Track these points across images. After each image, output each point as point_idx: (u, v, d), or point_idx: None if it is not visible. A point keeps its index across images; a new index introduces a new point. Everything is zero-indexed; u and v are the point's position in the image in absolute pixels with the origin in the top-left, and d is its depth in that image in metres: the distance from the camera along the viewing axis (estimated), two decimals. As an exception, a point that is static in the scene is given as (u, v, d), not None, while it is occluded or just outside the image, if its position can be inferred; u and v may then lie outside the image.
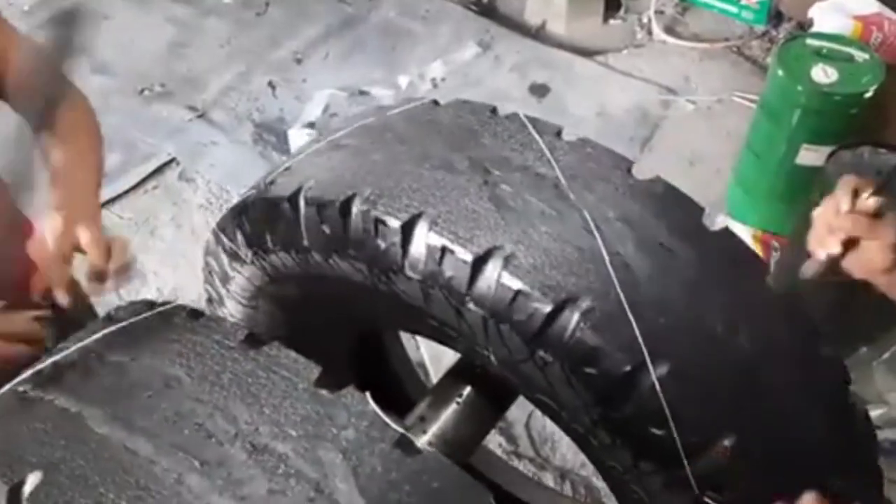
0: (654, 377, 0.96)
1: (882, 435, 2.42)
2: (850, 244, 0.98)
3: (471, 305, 1.00)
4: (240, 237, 1.26)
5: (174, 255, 2.83)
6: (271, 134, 3.23)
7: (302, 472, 0.75)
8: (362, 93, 3.39)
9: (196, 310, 0.97)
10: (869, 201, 0.96)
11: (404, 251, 1.02)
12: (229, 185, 3.04)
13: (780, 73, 2.55)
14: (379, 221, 1.03)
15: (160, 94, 3.43)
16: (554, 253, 1.00)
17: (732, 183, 2.92)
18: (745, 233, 2.85)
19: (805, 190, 2.41)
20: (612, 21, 3.79)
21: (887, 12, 2.85)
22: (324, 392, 0.83)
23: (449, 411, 1.19)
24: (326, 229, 1.07)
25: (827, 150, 2.35)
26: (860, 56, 2.54)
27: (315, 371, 0.86)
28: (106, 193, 2.97)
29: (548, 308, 0.97)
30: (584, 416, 1.03)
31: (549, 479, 2.27)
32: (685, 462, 0.97)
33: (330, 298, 1.21)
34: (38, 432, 0.80)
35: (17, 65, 1.15)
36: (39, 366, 0.87)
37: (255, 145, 3.20)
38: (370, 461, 0.76)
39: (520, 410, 2.40)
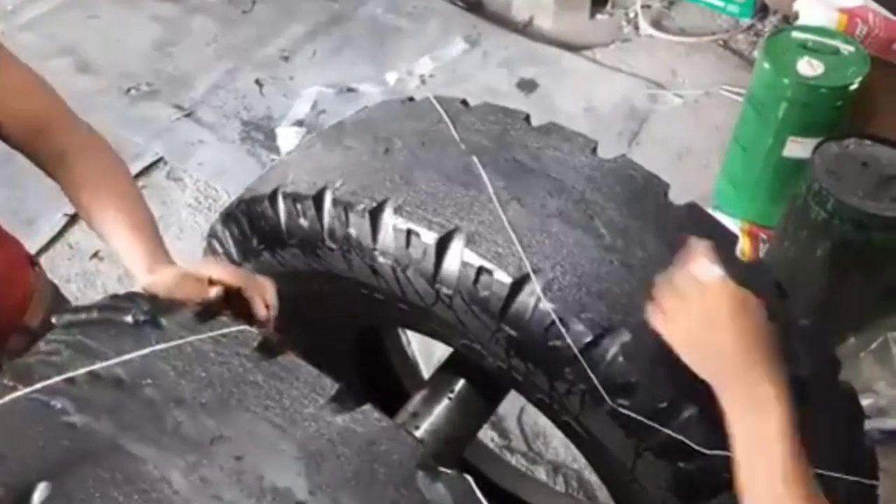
0: (538, 290, 0.97)
1: (870, 425, 2.45)
2: None
3: (439, 286, 1.02)
4: (230, 241, 1.26)
5: (163, 255, 2.82)
6: (259, 132, 3.22)
7: None
8: (350, 90, 3.38)
9: (266, 341, 0.87)
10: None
11: (374, 237, 1.04)
12: (217, 184, 3.03)
13: (767, 66, 2.56)
14: (349, 209, 1.04)
15: (147, 94, 3.40)
16: (519, 231, 1.01)
17: (720, 176, 2.93)
18: (733, 226, 2.86)
19: (792, 182, 2.42)
20: (598, 16, 3.79)
21: (872, 4, 2.86)
22: (423, 475, 0.76)
23: (441, 406, 1.19)
24: (304, 223, 1.08)
25: (813, 142, 2.36)
26: (845, 48, 2.56)
27: (419, 449, 0.79)
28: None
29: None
30: (496, 347, 1.05)
31: (541, 473, 2.28)
32: (587, 368, 0.97)
33: (318, 295, 1.21)
34: (107, 484, 0.74)
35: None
36: (72, 373, 0.82)
37: (242, 143, 3.18)
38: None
39: (512, 405, 2.40)
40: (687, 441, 0.97)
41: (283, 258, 1.18)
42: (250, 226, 1.18)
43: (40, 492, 0.74)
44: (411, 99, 1.27)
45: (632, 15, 3.74)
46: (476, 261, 1.01)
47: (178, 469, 0.74)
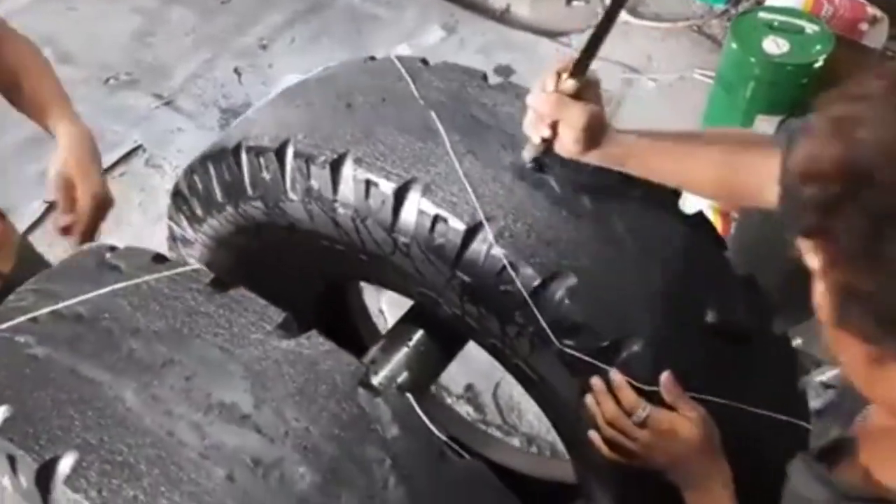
0: (490, 237, 1.03)
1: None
2: (555, 128, 1.00)
3: (397, 234, 1.06)
4: (193, 197, 1.29)
5: (141, 240, 2.82)
6: (237, 119, 3.25)
7: (353, 477, 0.75)
8: (328, 77, 3.41)
9: (218, 279, 0.92)
10: (567, 83, 0.98)
11: (335, 188, 1.08)
12: (197, 170, 3.06)
13: (734, 45, 2.62)
14: (310, 161, 1.08)
15: (126, 83, 3.43)
16: (473, 181, 1.06)
17: (692, 156, 2.98)
18: (705, 204, 2.91)
19: (760, 159, 2.48)
20: (574, 3, 3.84)
21: (837, -14, 2.92)
22: (364, 391, 0.81)
23: (399, 355, 1.23)
24: (266, 176, 1.12)
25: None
26: (810, 28, 2.62)
27: (359, 368, 0.83)
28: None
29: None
30: (451, 293, 1.11)
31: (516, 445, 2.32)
32: (535, 311, 1.02)
33: (280, 248, 1.25)
34: (65, 405, 0.78)
35: None
36: (35, 313, 0.87)
37: (221, 130, 3.21)
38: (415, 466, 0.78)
39: (487, 382, 2.45)
40: (628, 378, 1.02)
41: (246, 211, 1.21)
42: (215, 180, 1.22)
43: (2, 413, 0.78)
44: (372, 58, 1.31)
45: (607, 2, 3.78)
46: (432, 209, 1.05)
47: (130, 389, 0.78)
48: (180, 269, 0.90)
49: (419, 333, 1.25)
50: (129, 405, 0.76)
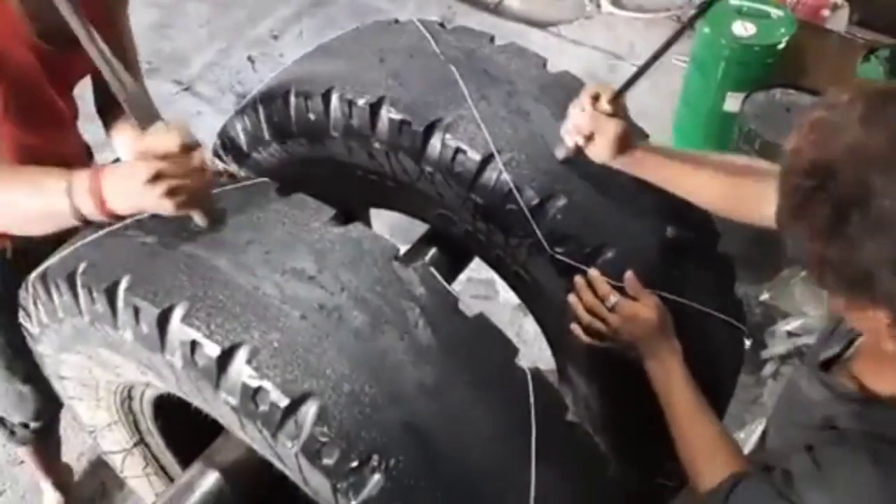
0: (500, 165, 1.28)
1: (801, 341, 2.78)
2: (589, 138, 1.25)
3: (424, 164, 1.33)
4: (241, 135, 1.55)
5: (168, 212, 3.11)
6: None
7: (393, 320, 1.00)
8: (335, 65, 3.68)
9: (281, 187, 1.16)
10: (604, 105, 1.23)
11: (373, 127, 1.34)
12: (216, 150, 3.32)
13: (706, 29, 2.89)
14: (352, 104, 1.34)
15: (148, 71, 3.64)
16: (487, 121, 1.32)
17: (673, 134, 3.25)
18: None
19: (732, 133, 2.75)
20: (563, -5, 4.12)
21: (801, -24, 3.19)
22: (399, 263, 1.06)
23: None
24: (312, 116, 1.38)
25: (749, 96, 2.68)
26: (775, 13, 2.88)
27: (394, 247, 1.08)
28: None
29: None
30: (465, 213, 1.36)
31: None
32: (534, 225, 1.28)
33: (319, 179, 1.50)
34: (174, 270, 1.01)
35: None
36: (138, 217, 1.09)
37: (238, 114, 3.47)
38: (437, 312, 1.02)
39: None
40: (605, 278, 1.28)
41: (291, 147, 1.47)
42: (265, 119, 1.47)
43: (125, 281, 1.04)
44: (397, 21, 1.57)
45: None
46: (454, 143, 1.31)
47: (223, 259, 1.03)
48: (251, 181, 1.16)
49: (433, 250, 1.52)
50: (223, 270, 1.02)
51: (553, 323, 1.48)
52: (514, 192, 1.29)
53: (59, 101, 1.39)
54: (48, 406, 1.77)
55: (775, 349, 2.73)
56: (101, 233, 1.13)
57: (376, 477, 0.91)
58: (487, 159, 1.30)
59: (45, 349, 1.28)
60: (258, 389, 0.93)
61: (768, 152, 2.52)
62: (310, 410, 0.92)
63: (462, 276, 2.35)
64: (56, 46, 1.29)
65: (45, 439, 2.01)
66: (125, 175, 1.04)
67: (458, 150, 1.30)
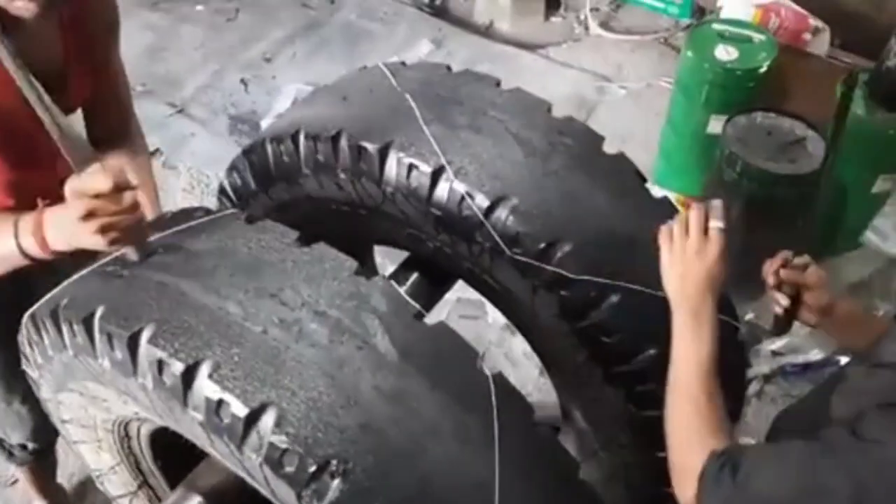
0: (451, 175, 1.34)
1: (785, 360, 2.80)
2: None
3: (384, 186, 1.38)
4: (248, 173, 1.60)
5: (159, 232, 3.15)
6: (245, 125, 3.56)
7: (352, 330, 1.03)
8: (327, 87, 3.74)
9: (251, 215, 1.22)
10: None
11: (336, 158, 1.41)
12: (209, 171, 3.36)
13: (690, 54, 2.93)
14: (317, 140, 1.42)
15: (142, 93, 3.73)
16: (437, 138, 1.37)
17: (658, 155, 3.28)
18: (671, 198, 3.21)
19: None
20: (552, 18, 4.18)
21: (783, 0, 3.25)
22: (360, 278, 1.10)
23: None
24: (320, 157, 1.44)
25: (732, 119, 2.72)
26: (757, 37, 2.93)
27: (353, 264, 1.11)
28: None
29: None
30: (429, 226, 1.41)
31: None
32: (489, 227, 1.31)
33: (319, 218, 1.56)
34: (144, 297, 1.06)
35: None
36: (116, 254, 1.14)
37: (230, 135, 3.52)
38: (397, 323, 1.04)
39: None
40: (562, 272, 1.31)
41: (275, 195, 1.56)
42: (249, 172, 1.56)
43: (100, 310, 1.07)
44: (364, 67, 1.64)
45: (582, 17, 4.13)
46: (407, 160, 1.37)
47: (191, 283, 1.08)
48: (221, 213, 1.21)
49: (414, 275, 1.57)
50: (190, 293, 1.05)
51: (526, 324, 1.52)
52: (467, 198, 1.34)
53: (42, 138, 1.43)
54: (46, 427, 1.79)
55: (760, 368, 2.75)
56: (85, 271, 1.17)
57: (336, 482, 0.94)
58: (439, 171, 1.35)
59: (45, 392, 1.34)
60: (220, 402, 0.96)
61: (749, 174, 2.56)
62: (269, 419, 0.95)
63: (451, 296, 2.37)
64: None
65: (42, 460, 2.03)
66: (61, 214, 1.11)
67: (411, 167, 1.37)
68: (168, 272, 1.11)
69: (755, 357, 2.79)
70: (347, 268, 1.10)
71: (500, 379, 1.09)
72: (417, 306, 1.09)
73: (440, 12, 4.21)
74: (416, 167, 1.36)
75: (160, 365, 1.01)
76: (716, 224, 1.15)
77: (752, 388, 2.74)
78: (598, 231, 1.39)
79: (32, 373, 1.31)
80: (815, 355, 2.71)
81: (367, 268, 1.98)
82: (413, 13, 4.17)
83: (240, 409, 0.95)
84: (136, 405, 1.17)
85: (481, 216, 1.32)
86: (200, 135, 3.54)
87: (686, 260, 1.13)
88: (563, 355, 1.48)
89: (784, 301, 1.25)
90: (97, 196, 1.06)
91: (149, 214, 1.34)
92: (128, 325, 1.04)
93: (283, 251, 1.12)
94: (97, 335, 1.07)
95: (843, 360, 2.70)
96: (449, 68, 1.58)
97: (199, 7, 4.24)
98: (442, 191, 1.35)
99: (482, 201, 1.33)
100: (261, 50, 3.97)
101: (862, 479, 0.91)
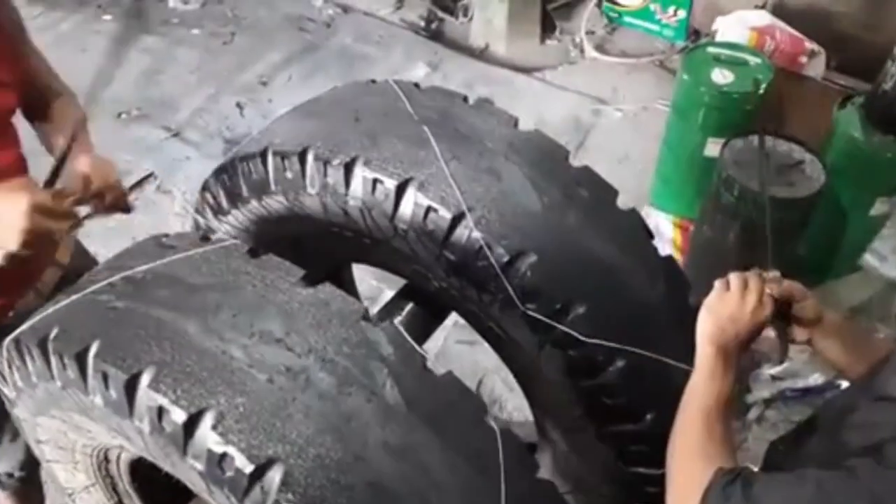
0: (471, 223, 1.31)
1: (785, 384, 2.79)
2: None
3: (397, 222, 1.35)
4: (221, 192, 1.57)
5: (154, 258, 3.12)
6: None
7: (360, 381, 1.00)
8: (323, 110, 3.73)
9: (252, 248, 1.18)
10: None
11: (347, 185, 1.36)
12: (203, 195, 3.34)
13: (686, 77, 2.94)
14: (327, 163, 1.37)
15: (137, 117, 3.73)
16: (458, 180, 1.35)
17: (654, 177, 3.28)
18: (666, 221, 3.21)
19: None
20: (548, 42, 4.19)
21: (779, 23, 3.27)
22: (368, 323, 1.08)
23: (396, 321, 1.51)
24: (289, 175, 1.40)
25: (729, 142, 2.72)
26: (753, 60, 2.94)
27: (361, 307, 1.09)
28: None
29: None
30: (439, 269, 1.39)
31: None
32: (505, 281, 1.29)
33: (296, 235, 1.52)
34: (142, 334, 1.04)
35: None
36: (111, 279, 1.13)
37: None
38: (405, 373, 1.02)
39: (471, 378, 2.71)
40: (573, 332, 1.30)
41: (269, 205, 1.50)
42: (242, 178, 1.50)
43: (94, 347, 1.05)
44: (374, 81, 1.61)
45: (577, 40, 4.14)
46: (425, 202, 1.34)
47: (191, 323, 1.04)
48: (222, 244, 1.18)
49: (410, 305, 1.54)
50: (192, 334, 1.03)
51: (528, 377, 1.49)
52: (485, 249, 1.31)
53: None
54: (34, 457, 1.78)
55: (760, 393, 2.73)
56: (74, 297, 1.14)
57: (344, 541, 0.91)
58: (458, 217, 1.32)
59: (21, 413, 1.30)
60: (224, 455, 0.93)
61: (746, 198, 2.56)
62: (275, 476, 0.93)
63: (448, 322, 2.36)
64: None
65: (29, 486, 2.03)
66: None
67: (429, 209, 1.33)
68: (167, 308, 1.08)
69: (755, 382, 2.77)
70: (355, 311, 1.08)
71: (507, 435, 1.07)
72: (425, 353, 1.07)
73: (436, 35, 4.23)
74: (435, 210, 1.33)
75: (160, 411, 0.99)
76: (771, 293, 1.21)
77: (753, 413, 2.72)
78: (611, 292, 1.39)
79: (7, 392, 1.27)
80: (816, 380, 2.70)
81: (346, 287, 1.99)
82: (409, 36, 4.18)
83: (244, 464, 0.92)
84: (126, 442, 1.14)
85: (499, 269, 1.30)
86: (195, 158, 3.52)
87: (741, 310, 1.17)
88: (558, 407, 1.47)
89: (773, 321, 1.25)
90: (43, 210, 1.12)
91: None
92: (126, 366, 1.01)
93: (288, 291, 1.10)
94: (90, 372, 1.04)
95: (843, 384, 2.71)
96: (465, 99, 1.55)
97: (194, 31, 4.25)
98: (459, 237, 1.33)
99: (501, 254, 1.31)
100: (257, 73, 3.97)
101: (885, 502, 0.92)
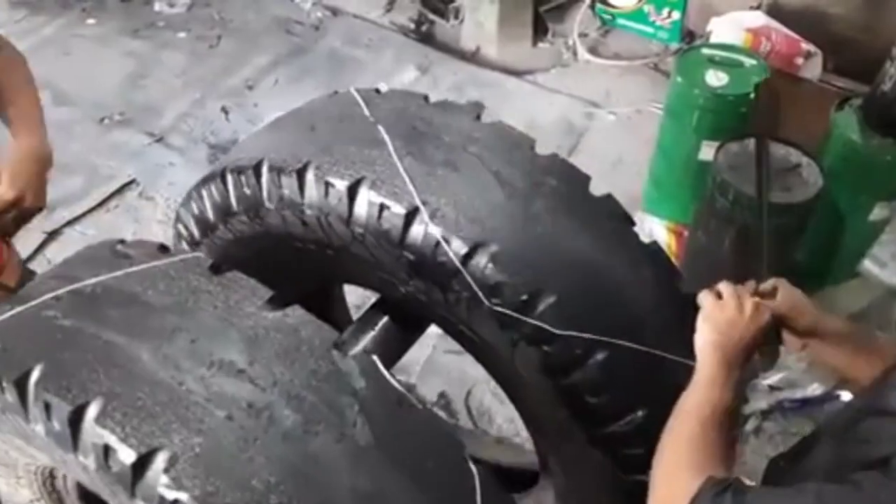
0: (426, 218, 1.25)
1: (783, 395, 2.72)
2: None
3: (353, 226, 1.29)
4: (192, 222, 1.50)
5: (136, 267, 3.04)
6: (225, 153, 3.46)
7: (329, 419, 0.93)
8: (310, 114, 3.65)
9: (216, 263, 1.10)
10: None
11: (301, 193, 1.30)
12: (187, 202, 3.26)
13: (679, 79, 2.87)
14: (281, 173, 1.30)
15: (120, 122, 3.65)
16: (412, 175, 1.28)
17: (647, 181, 3.21)
18: (660, 226, 3.14)
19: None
20: (540, 44, 4.12)
21: (774, 24, 3.20)
22: (337, 352, 1.00)
23: (367, 338, 1.43)
24: (247, 191, 1.34)
25: (724, 145, 2.65)
26: (748, 62, 2.87)
27: (332, 335, 1.02)
28: (70, 213, 3.19)
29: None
30: (402, 272, 1.32)
31: (486, 448, 2.50)
32: (466, 275, 1.23)
33: (265, 257, 1.45)
34: (90, 360, 0.96)
35: None
36: (58, 291, 1.05)
37: (210, 165, 3.42)
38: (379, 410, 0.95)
39: (459, 389, 2.64)
40: (545, 326, 1.22)
41: (234, 227, 1.43)
42: (208, 203, 1.44)
43: (36, 372, 0.97)
44: (336, 92, 1.54)
45: (570, 43, 4.07)
46: (378, 199, 1.27)
47: (145, 350, 0.97)
48: (183, 256, 1.10)
49: (384, 319, 1.46)
50: (145, 362, 0.95)
51: (506, 377, 1.42)
52: (442, 243, 1.24)
53: None
54: None
55: (757, 404, 2.66)
56: (17, 309, 1.07)
57: None
58: (412, 213, 1.26)
59: None
60: (175, 502, 0.86)
61: (742, 203, 2.49)
62: (233, 524, 0.85)
63: (436, 331, 2.30)
64: None
65: None
66: None
67: (382, 207, 1.27)
68: (119, 330, 1.00)
69: (752, 392, 2.70)
70: (326, 339, 1.00)
71: (485, 476, 0.99)
72: (401, 388, 0.99)
73: (426, 38, 4.15)
74: (388, 207, 1.26)
75: (107, 449, 0.91)
76: (770, 304, 1.18)
77: (750, 424, 2.65)
78: (584, 281, 1.30)
79: None
80: (815, 390, 2.63)
81: (337, 309, 1.91)
82: (399, 39, 4.11)
83: (198, 511, 0.85)
84: (70, 472, 1.06)
85: (458, 263, 1.22)
86: (179, 164, 3.45)
87: (739, 315, 1.15)
88: (544, 412, 1.39)
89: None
90: None
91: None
92: (70, 397, 0.93)
93: (253, 315, 1.02)
94: (31, 400, 0.96)
95: (844, 394, 2.65)
96: (426, 98, 1.48)
97: (180, 34, 4.17)
98: (416, 234, 1.26)
99: (459, 247, 1.24)
100: (243, 77, 3.89)
101: None
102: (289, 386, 0.95)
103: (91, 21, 4.23)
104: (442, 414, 2.57)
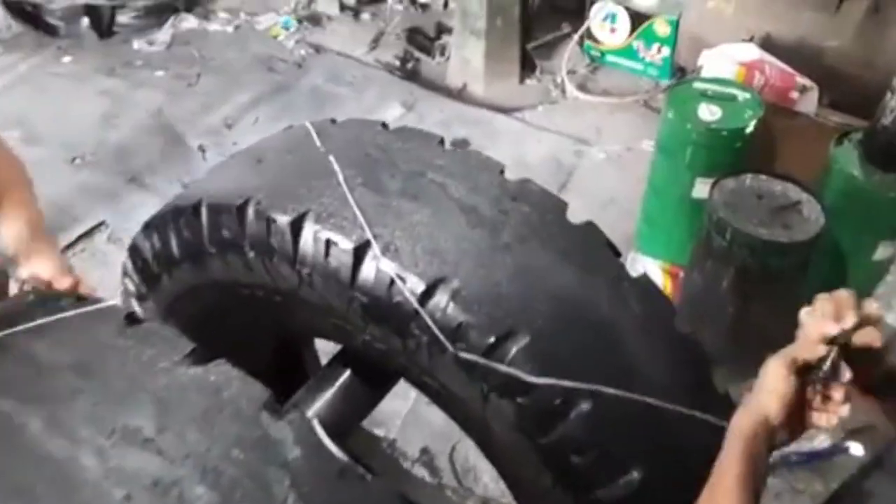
0: (377, 252, 1.11)
1: (789, 448, 2.54)
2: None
3: (299, 266, 1.13)
4: (138, 278, 1.35)
5: (101, 313, 2.87)
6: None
7: (253, 496, 0.78)
8: (290, 153, 3.53)
9: (132, 314, 0.97)
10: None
11: (242, 232, 1.15)
12: (158, 244, 3.11)
13: (671, 114, 2.75)
14: (220, 212, 1.15)
15: (91, 163, 3.51)
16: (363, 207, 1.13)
17: (640, 221, 3.08)
18: (654, 267, 3.00)
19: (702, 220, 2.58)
20: (528, 81, 4.02)
21: (767, 57, 3.11)
22: (268, 415, 0.84)
23: (326, 396, 1.26)
24: (225, 232, 1.19)
25: (719, 181, 2.53)
26: (742, 95, 2.76)
27: (263, 394, 0.87)
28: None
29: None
30: (355, 317, 1.17)
31: (471, 508, 2.31)
32: (425, 316, 1.08)
33: (213, 308, 1.30)
34: None
35: None
36: None
37: (184, 206, 3.28)
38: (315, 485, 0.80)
39: (443, 443, 2.46)
40: (517, 373, 1.04)
41: (179, 277, 1.28)
42: (150, 253, 1.29)
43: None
44: (290, 126, 1.41)
45: (559, 80, 3.97)
46: (324, 234, 1.12)
47: (37, 417, 0.81)
48: (98, 306, 0.95)
49: (346, 373, 1.29)
50: (34, 432, 0.79)
51: (478, 432, 1.24)
52: (396, 280, 1.08)
53: None
54: None
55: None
56: None
57: None
58: (362, 248, 1.10)
59: None
60: None
61: (740, 242, 2.35)
62: None
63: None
64: None
65: None
66: None
67: (329, 242, 1.11)
68: (7, 394, 0.84)
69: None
70: (254, 400, 0.84)
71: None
72: (344, 456, 0.82)
73: (411, 76, 4.06)
74: (335, 243, 1.11)
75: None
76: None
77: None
78: (563, 319, 1.13)
79: None
80: (822, 443, 2.46)
81: (310, 364, 1.75)
82: (383, 77, 4.01)
83: None
84: None
85: (415, 303, 1.06)
86: (151, 205, 3.27)
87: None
88: (525, 475, 1.20)
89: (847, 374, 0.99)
90: None
91: None
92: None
93: (168, 372, 0.86)
94: None
95: (853, 447, 2.47)
96: (385, 125, 1.34)
97: (158, 72, 4.07)
98: (367, 272, 1.10)
99: (416, 284, 1.08)
100: (222, 115, 3.77)
101: None
102: (204, 457, 0.78)
103: (67, 59, 4.14)
104: (424, 471, 2.39)
